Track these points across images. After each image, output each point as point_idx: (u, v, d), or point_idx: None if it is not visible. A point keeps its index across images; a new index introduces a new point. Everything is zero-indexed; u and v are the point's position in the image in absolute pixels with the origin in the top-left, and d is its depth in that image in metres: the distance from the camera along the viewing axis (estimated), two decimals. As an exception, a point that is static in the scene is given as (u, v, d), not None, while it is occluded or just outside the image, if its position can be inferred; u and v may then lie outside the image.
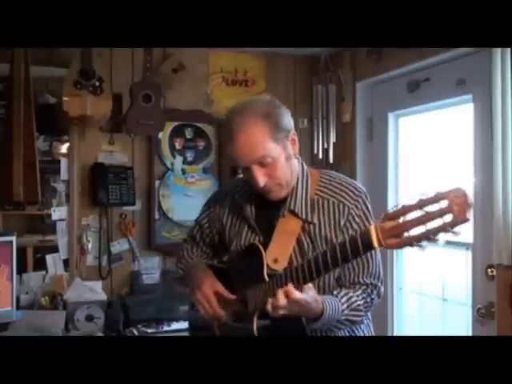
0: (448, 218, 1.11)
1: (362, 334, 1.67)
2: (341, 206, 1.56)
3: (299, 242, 1.55)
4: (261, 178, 1.48)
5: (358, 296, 1.54)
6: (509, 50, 2.08)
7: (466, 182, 2.42)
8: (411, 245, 1.18)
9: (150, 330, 2.67)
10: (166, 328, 2.69)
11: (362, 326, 1.65)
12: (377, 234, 1.24)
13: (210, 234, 1.78)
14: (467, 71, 2.43)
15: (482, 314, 2.29)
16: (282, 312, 1.38)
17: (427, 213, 1.14)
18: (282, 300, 1.36)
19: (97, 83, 2.72)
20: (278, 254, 1.51)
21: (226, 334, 1.62)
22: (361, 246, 1.28)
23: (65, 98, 2.69)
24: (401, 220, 1.19)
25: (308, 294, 1.39)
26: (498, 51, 2.11)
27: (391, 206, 1.24)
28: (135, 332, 2.67)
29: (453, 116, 2.61)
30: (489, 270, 2.25)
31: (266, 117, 1.48)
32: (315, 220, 1.55)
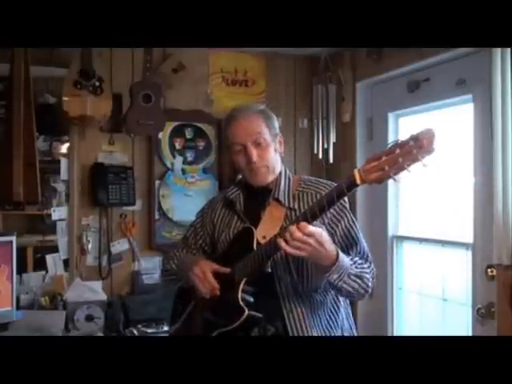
0: (418, 151, 1.31)
1: (347, 325, 1.74)
2: (317, 195, 1.70)
3: (281, 227, 1.62)
4: (254, 154, 1.69)
5: (358, 259, 1.65)
6: (509, 50, 2.08)
7: (466, 181, 2.43)
8: (389, 177, 1.34)
9: (149, 330, 2.68)
10: (166, 328, 2.68)
11: (344, 316, 1.73)
12: (359, 174, 1.38)
13: (203, 236, 1.88)
14: (467, 71, 2.43)
15: (482, 313, 2.29)
16: (296, 248, 1.44)
17: (401, 151, 1.32)
18: (296, 232, 1.43)
19: (97, 83, 2.72)
20: (266, 232, 1.63)
21: (212, 309, 1.68)
22: (345, 186, 1.41)
23: (65, 98, 2.69)
24: (380, 161, 1.35)
25: (321, 229, 1.49)
26: (497, 51, 2.11)
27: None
28: (135, 332, 2.67)
29: (453, 116, 2.60)
30: (489, 269, 2.26)
31: (261, 112, 1.76)
32: (296, 207, 1.71)
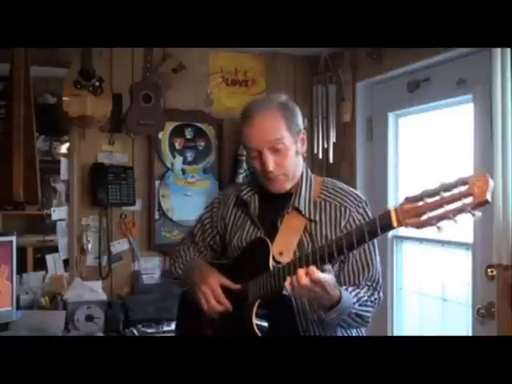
0: (468, 199, 1.12)
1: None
2: (342, 208, 1.60)
3: (300, 241, 1.56)
4: (271, 163, 1.54)
5: (364, 292, 1.55)
6: (509, 49, 2.08)
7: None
8: (431, 224, 1.18)
9: (149, 330, 2.68)
10: (166, 328, 2.69)
11: (354, 333, 1.64)
12: (396, 215, 1.23)
13: (211, 234, 1.78)
14: (467, 71, 2.43)
15: (482, 313, 2.29)
16: (300, 292, 1.37)
17: (447, 195, 1.15)
18: (303, 279, 1.32)
19: (97, 83, 2.72)
20: (283, 248, 1.52)
21: (220, 330, 1.61)
22: (379, 227, 1.26)
23: (65, 98, 2.69)
24: (421, 203, 1.20)
25: (329, 276, 1.37)
26: (497, 51, 2.11)
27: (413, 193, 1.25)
28: (135, 332, 2.67)
29: (453, 116, 2.60)
30: (489, 269, 2.26)
31: (284, 107, 1.58)
32: (317, 218, 1.58)
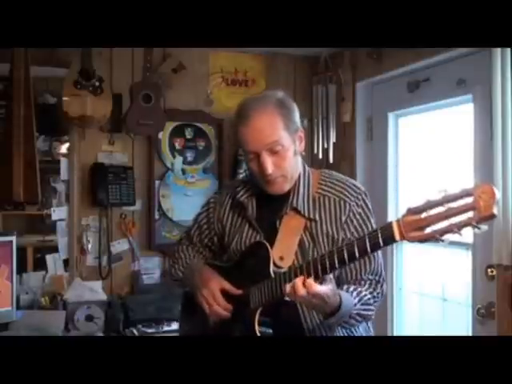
0: (473, 213, 1.09)
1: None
2: (341, 202, 1.56)
3: (300, 241, 1.54)
4: (269, 165, 1.49)
5: (366, 290, 1.53)
6: (509, 49, 2.08)
7: (466, 182, 2.42)
8: (434, 238, 1.16)
9: (149, 330, 2.68)
10: (166, 328, 2.69)
11: (361, 329, 1.62)
12: (399, 227, 1.21)
13: (209, 235, 1.76)
14: (467, 71, 2.43)
15: (482, 313, 2.29)
16: (298, 300, 1.37)
17: (452, 208, 1.12)
18: (300, 289, 1.32)
19: (97, 83, 2.72)
20: (283, 252, 1.50)
21: (224, 334, 1.60)
22: (381, 240, 1.25)
23: (65, 98, 2.69)
24: (424, 215, 1.17)
25: (328, 287, 1.36)
26: (497, 51, 2.11)
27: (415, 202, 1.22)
28: (135, 332, 2.67)
29: (453, 116, 2.60)
30: (489, 269, 2.25)
31: (281, 106, 1.52)
32: (317, 217, 1.55)
